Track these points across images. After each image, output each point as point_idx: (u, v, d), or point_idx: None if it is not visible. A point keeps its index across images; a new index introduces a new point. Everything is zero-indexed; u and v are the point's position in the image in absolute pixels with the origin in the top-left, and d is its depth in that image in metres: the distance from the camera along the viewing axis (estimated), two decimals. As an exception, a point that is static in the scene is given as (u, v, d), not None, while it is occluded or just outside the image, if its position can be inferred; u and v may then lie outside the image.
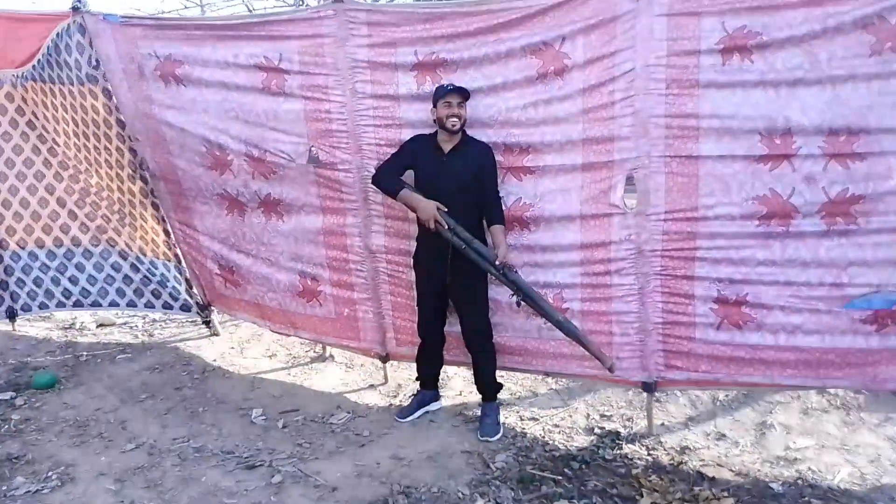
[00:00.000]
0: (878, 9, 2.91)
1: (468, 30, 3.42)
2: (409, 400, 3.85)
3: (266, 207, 4.13)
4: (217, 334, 5.00)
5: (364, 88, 3.64)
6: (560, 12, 3.30)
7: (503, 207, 3.50)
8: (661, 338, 3.42)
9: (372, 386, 4.16)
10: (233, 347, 4.81)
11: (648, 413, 3.47)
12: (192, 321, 5.24)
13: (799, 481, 3.00)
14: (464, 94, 3.32)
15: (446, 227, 3.32)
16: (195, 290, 4.82)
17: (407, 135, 3.63)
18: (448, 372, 4.15)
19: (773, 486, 2.98)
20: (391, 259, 3.87)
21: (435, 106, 3.34)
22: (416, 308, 3.69)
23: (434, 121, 3.40)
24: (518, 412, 3.74)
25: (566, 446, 3.34)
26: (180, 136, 4.13)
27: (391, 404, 3.90)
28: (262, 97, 3.86)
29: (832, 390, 3.62)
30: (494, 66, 3.43)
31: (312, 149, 3.81)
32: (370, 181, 3.59)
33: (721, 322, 3.33)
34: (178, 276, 4.78)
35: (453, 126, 3.31)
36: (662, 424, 3.53)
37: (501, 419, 3.61)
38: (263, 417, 3.74)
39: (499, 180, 3.49)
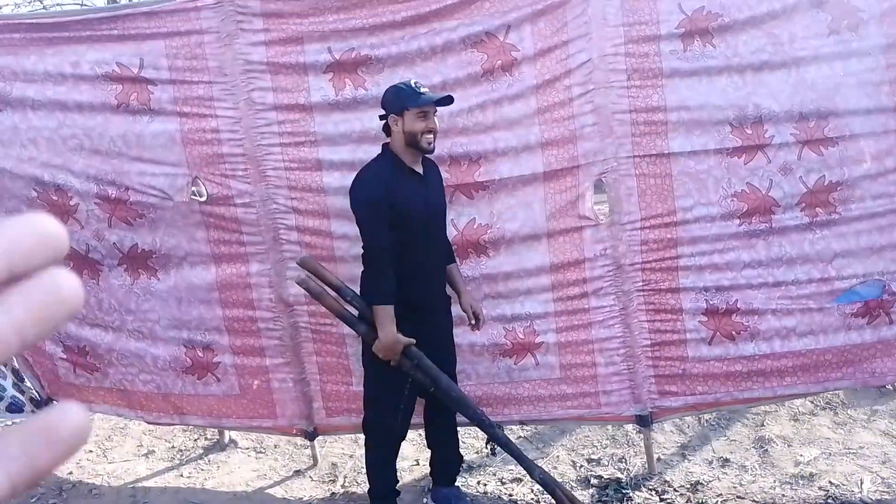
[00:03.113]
0: (831, -15, 2.77)
1: (394, 20, 2.81)
2: None
3: (131, 263, 3.14)
4: (63, 436, 3.80)
5: (263, 98, 2.87)
6: (501, -3, 2.81)
7: (454, 230, 2.91)
8: (650, 362, 3.00)
9: (298, 472, 3.30)
10: (91, 450, 3.66)
11: (647, 451, 3.02)
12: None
13: (829, 500, 2.71)
14: (449, 101, 2.53)
15: (412, 363, 2.53)
16: (28, 384, 3.62)
17: (326, 154, 2.90)
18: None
19: (809, 512, 2.66)
20: (314, 310, 3.07)
21: (397, 113, 2.47)
22: (378, 396, 2.67)
23: (387, 132, 2.55)
24: (495, 474, 3.11)
25: (569, 508, 2.78)
26: (-4, 178, 3.04)
27: (332, 493, 3.09)
28: (118, 117, 2.93)
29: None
30: (430, 63, 2.85)
31: (196, 180, 2.94)
32: (370, 261, 2.51)
33: (713, 335, 2.98)
34: (1, 368, 3.55)
35: (429, 144, 2.47)
36: (659, 459, 3.10)
37: (481, 487, 2.98)
38: (168, 545, 2.77)
39: (446, 200, 2.86)
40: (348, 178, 2.90)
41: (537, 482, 2.66)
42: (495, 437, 2.69)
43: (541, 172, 2.90)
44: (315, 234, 2.98)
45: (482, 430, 2.68)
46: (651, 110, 2.86)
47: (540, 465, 3.02)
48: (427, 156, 2.61)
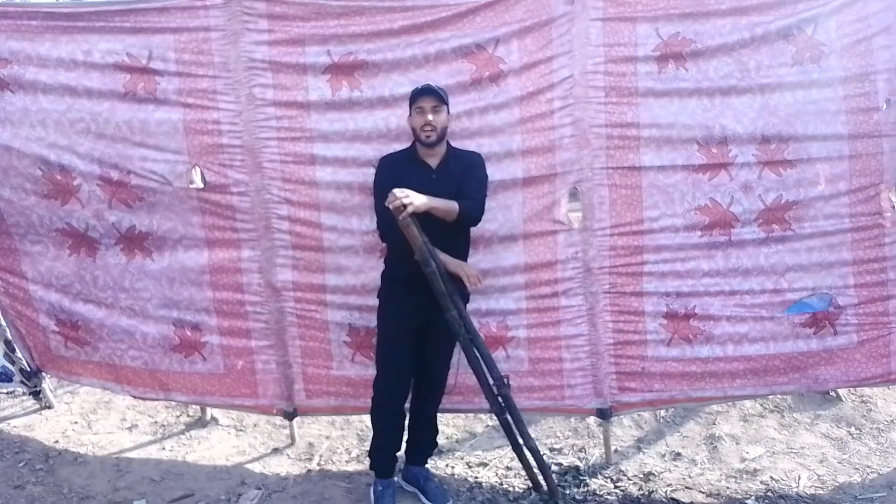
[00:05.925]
0: (796, 20, 3.02)
1: (391, 28, 3.00)
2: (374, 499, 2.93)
3: (128, 243, 3.30)
4: (50, 406, 3.94)
5: (264, 94, 3.05)
6: (492, 13, 3.02)
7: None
8: (613, 359, 3.21)
9: (276, 450, 3.48)
10: (76, 422, 3.81)
11: (606, 442, 3.24)
12: (7, 392, 4.11)
13: (769, 493, 2.94)
14: (438, 96, 2.73)
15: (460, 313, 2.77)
16: (18, 354, 3.75)
17: (320, 149, 3.09)
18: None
19: (748, 503, 2.88)
20: (301, 297, 3.25)
21: (409, 113, 2.78)
22: (379, 361, 2.92)
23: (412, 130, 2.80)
24: (463, 458, 3.31)
25: (531, 492, 2.99)
26: (3, 156, 3.18)
27: (308, 470, 3.27)
28: (125, 105, 3.09)
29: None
30: (423, 70, 3.04)
31: (196, 168, 3.11)
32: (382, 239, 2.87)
33: (672, 337, 3.21)
34: (-6, 337, 3.69)
35: (427, 138, 2.71)
36: (616, 451, 3.32)
37: (449, 469, 3.18)
38: (150, 511, 2.93)
39: None
40: (339, 174, 3.12)
41: (529, 450, 2.83)
42: (508, 397, 2.84)
43: (520, 178, 3.11)
44: (305, 224, 3.15)
45: (497, 391, 2.81)
46: (625, 126, 3.07)
47: (507, 453, 3.24)
48: (465, 151, 2.91)
